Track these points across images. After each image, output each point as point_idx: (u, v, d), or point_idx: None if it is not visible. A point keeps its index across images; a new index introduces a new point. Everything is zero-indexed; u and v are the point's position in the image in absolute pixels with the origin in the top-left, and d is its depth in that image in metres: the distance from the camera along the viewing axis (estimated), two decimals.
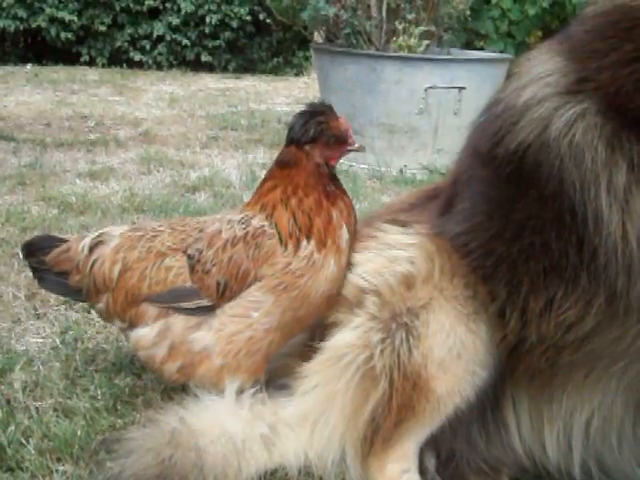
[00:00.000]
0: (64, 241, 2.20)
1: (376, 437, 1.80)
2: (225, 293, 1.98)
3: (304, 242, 1.95)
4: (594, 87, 1.59)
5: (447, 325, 1.80)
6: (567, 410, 1.82)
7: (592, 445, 1.84)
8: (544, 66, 1.70)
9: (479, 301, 1.79)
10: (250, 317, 1.96)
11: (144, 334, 2.05)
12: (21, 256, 2.31)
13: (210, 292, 1.99)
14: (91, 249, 2.13)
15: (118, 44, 11.53)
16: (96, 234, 2.17)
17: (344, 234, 1.98)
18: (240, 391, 1.97)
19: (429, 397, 1.78)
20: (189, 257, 2.03)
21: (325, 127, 1.99)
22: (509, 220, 1.72)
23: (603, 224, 1.58)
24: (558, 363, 1.75)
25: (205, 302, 2.00)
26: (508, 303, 1.75)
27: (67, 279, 2.16)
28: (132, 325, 2.08)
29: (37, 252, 2.19)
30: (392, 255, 1.89)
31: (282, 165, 2.02)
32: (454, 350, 1.79)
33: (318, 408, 1.87)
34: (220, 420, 1.88)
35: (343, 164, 5.43)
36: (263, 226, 1.98)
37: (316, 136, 1.98)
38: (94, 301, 2.16)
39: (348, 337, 1.85)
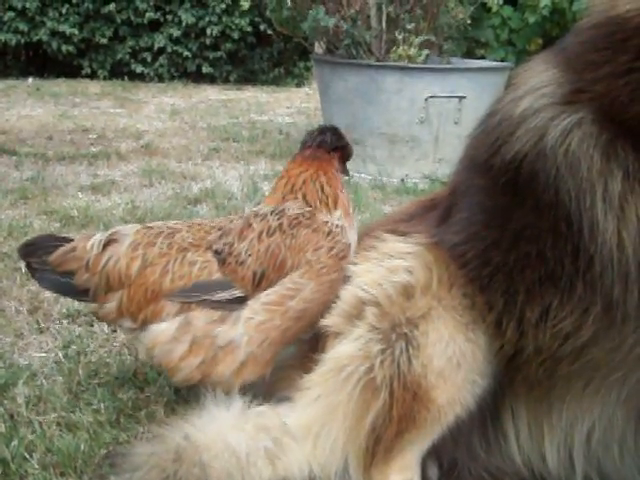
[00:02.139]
0: (66, 240, 2.18)
1: (378, 448, 1.81)
2: (262, 283, 2.02)
3: (333, 209, 2.13)
4: (589, 97, 1.60)
5: (446, 335, 1.80)
6: (567, 421, 1.82)
7: (594, 456, 1.84)
8: (540, 77, 1.71)
9: (477, 311, 1.79)
10: (284, 305, 2.00)
11: (163, 330, 2.04)
12: (21, 259, 2.33)
13: (245, 282, 2.03)
14: (104, 247, 2.11)
15: (119, 56, 11.55)
16: (106, 233, 2.16)
17: (354, 222, 2.15)
18: (246, 391, 1.99)
19: (429, 407, 1.79)
20: (216, 252, 2.07)
21: (347, 145, 2.31)
22: (505, 230, 1.72)
23: (599, 233, 1.59)
24: (556, 374, 1.75)
25: (238, 293, 2.03)
26: (505, 313, 1.75)
27: (72, 279, 2.12)
28: (145, 323, 2.07)
29: (38, 252, 2.16)
30: (391, 265, 1.90)
31: (311, 157, 2.23)
32: (453, 359, 1.79)
33: (320, 420, 1.87)
34: (224, 434, 1.88)
35: None
36: (298, 217, 2.08)
37: (343, 146, 2.29)
38: (103, 301, 2.12)
39: (349, 348, 1.85)
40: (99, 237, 2.14)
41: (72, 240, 2.19)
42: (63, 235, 2.31)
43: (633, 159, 1.55)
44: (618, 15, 1.59)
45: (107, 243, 2.12)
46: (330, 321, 1.94)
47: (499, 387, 1.83)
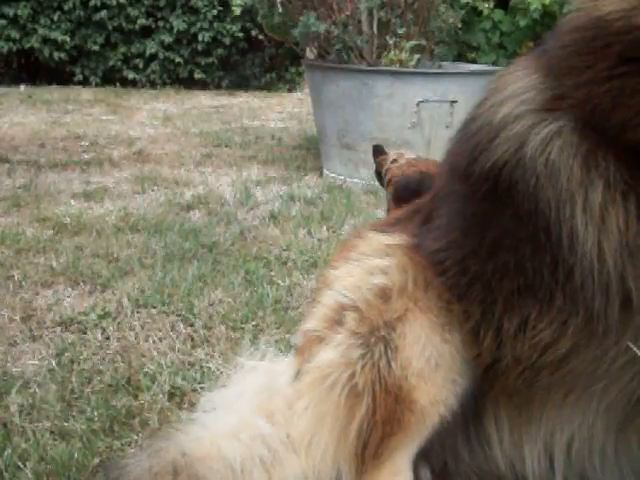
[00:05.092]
0: (385, 153, 3.51)
1: (366, 453, 1.79)
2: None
3: None
4: (570, 104, 1.58)
5: (423, 336, 1.79)
6: (547, 431, 1.81)
7: (575, 465, 1.82)
8: (520, 83, 1.69)
9: (454, 317, 1.78)
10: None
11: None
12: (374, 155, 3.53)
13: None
14: (393, 161, 3.39)
15: (111, 63, 11.58)
16: (394, 156, 3.42)
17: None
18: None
19: (412, 408, 1.77)
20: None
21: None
22: (484, 238, 1.71)
23: (579, 244, 1.57)
24: (536, 385, 1.74)
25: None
26: (482, 322, 1.73)
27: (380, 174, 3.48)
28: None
29: (377, 154, 3.52)
30: (369, 265, 1.89)
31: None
32: (432, 360, 1.78)
33: (310, 430, 1.86)
34: (218, 444, 1.87)
35: (337, 179, 5.45)
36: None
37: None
38: (386, 187, 3.40)
39: (331, 355, 1.84)
40: (391, 158, 3.42)
41: (386, 153, 3.52)
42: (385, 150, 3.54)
43: (614, 169, 1.53)
44: (600, 17, 1.56)
45: (392, 161, 3.38)
46: (314, 325, 1.93)
47: (479, 392, 1.83)
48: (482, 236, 1.70)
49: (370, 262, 1.90)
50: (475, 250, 1.72)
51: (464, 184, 1.77)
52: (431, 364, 1.78)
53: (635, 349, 1.59)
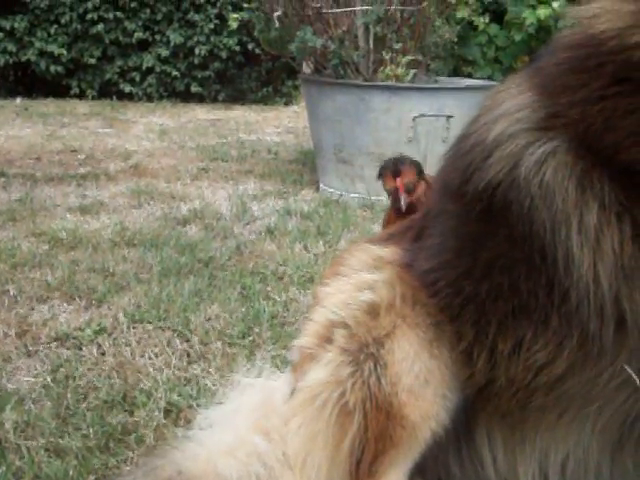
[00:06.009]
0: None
1: (360, 471, 1.78)
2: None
3: None
4: (564, 123, 1.56)
5: (411, 352, 1.78)
6: (541, 451, 1.80)
7: None
8: (514, 100, 1.67)
9: (445, 337, 1.78)
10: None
11: None
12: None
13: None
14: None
15: (108, 76, 11.57)
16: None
17: None
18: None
19: (404, 424, 1.77)
20: None
21: None
22: (478, 259, 1.69)
23: (574, 266, 1.56)
24: (530, 405, 1.73)
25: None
26: (475, 344, 1.72)
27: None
28: None
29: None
30: (358, 281, 1.89)
31: None
32: (421, 376, 1.77)
33: (304, 448, 1.85)
34: (214, 462, 1.86)
35: (334, 193, 5.45)
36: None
37: None
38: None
39: (321, 374, 1.83)
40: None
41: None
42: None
43: (609, 190, 1.52)
44: (594, 35, 1.55)
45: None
46: (306, 341, 1.93)
47: (471, 407, 1.82)
48: (476, 257, 1.69)
49: (358, 277, 1.90)
50: (469, 271, 1.71)
51: (457, 203, 1.75)
52: (420, 380, 1.77)
53: (630, 370, 1.59)
